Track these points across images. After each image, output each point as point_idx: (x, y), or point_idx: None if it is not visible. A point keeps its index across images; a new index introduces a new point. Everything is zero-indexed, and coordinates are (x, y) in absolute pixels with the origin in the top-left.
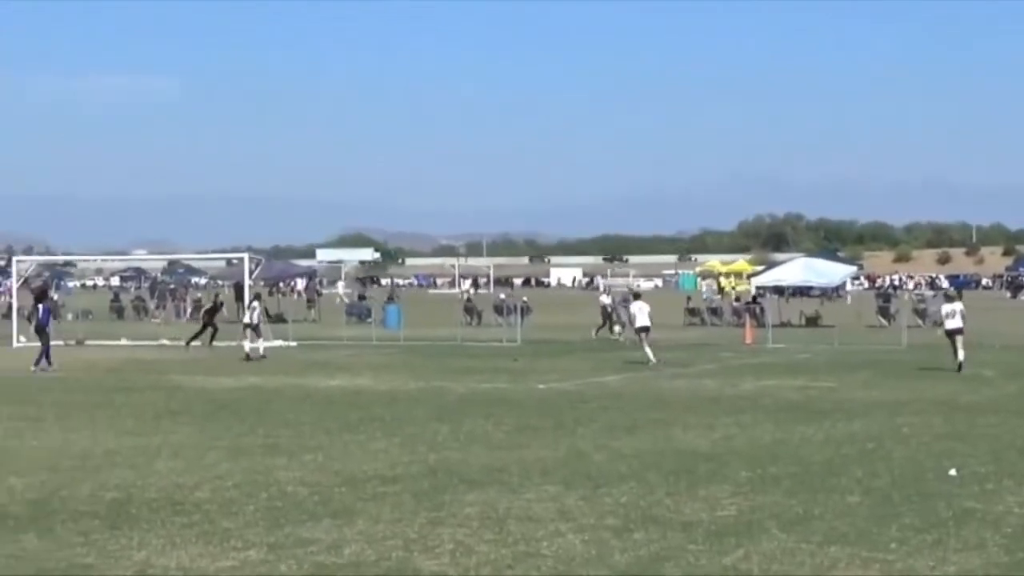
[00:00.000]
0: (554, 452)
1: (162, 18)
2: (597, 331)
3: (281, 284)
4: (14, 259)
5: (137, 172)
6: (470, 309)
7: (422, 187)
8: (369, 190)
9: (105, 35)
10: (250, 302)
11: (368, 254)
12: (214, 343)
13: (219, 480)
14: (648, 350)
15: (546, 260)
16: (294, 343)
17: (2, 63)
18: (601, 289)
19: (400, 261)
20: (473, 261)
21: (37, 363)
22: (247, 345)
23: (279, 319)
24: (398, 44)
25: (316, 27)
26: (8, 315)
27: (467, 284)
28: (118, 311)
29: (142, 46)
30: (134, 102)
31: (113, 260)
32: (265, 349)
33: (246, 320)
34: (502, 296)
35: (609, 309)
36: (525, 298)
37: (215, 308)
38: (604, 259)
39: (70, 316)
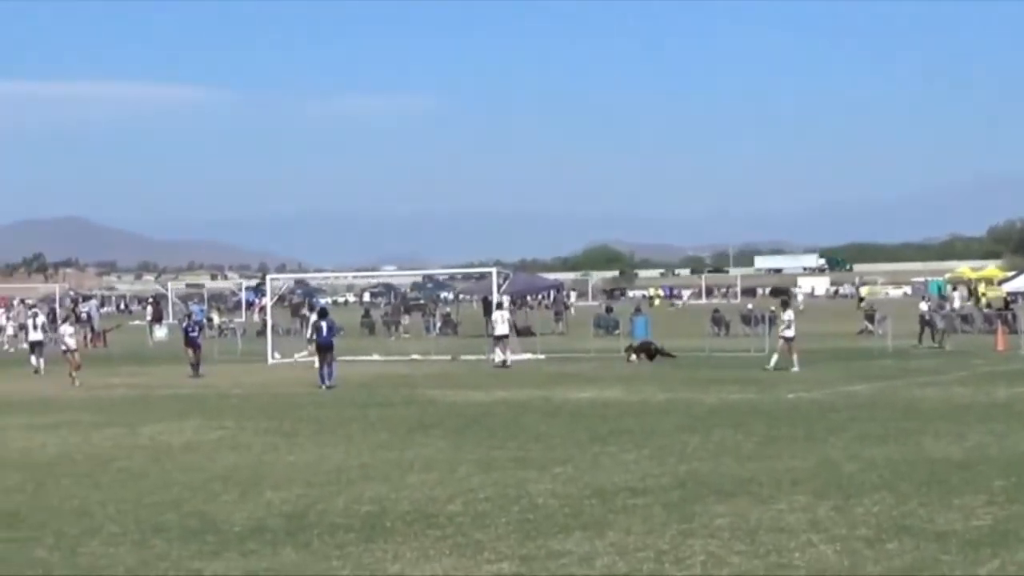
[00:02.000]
0: (804, 462)
1: (421, 37)
2: (920, 339)
3: (528, 297)
4: (268, 277)
5: (388, 188)
6: (718, 320)
7: (669, 198)
8: (617, 202)
9: (364, 56)
10: (495, 313)
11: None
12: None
13: (471, 493)
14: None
15: (780, 271)
16: (542, 356)
17: (274, 87)
18: (923, 299)
19: (634, 274)
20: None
21: (324, 380)
22: (497, 356)
23: (527, 332)
24: (647, 57)
25: (569, 44)
26: (263, 332)
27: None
28: (369, 327)
29: (401, 64)
30: (388, 119)
31: (363, 276)
32: (511, 361)
33: (497, 332)
34: (749, 306)
35: (927, 317)
36: (772, 308)
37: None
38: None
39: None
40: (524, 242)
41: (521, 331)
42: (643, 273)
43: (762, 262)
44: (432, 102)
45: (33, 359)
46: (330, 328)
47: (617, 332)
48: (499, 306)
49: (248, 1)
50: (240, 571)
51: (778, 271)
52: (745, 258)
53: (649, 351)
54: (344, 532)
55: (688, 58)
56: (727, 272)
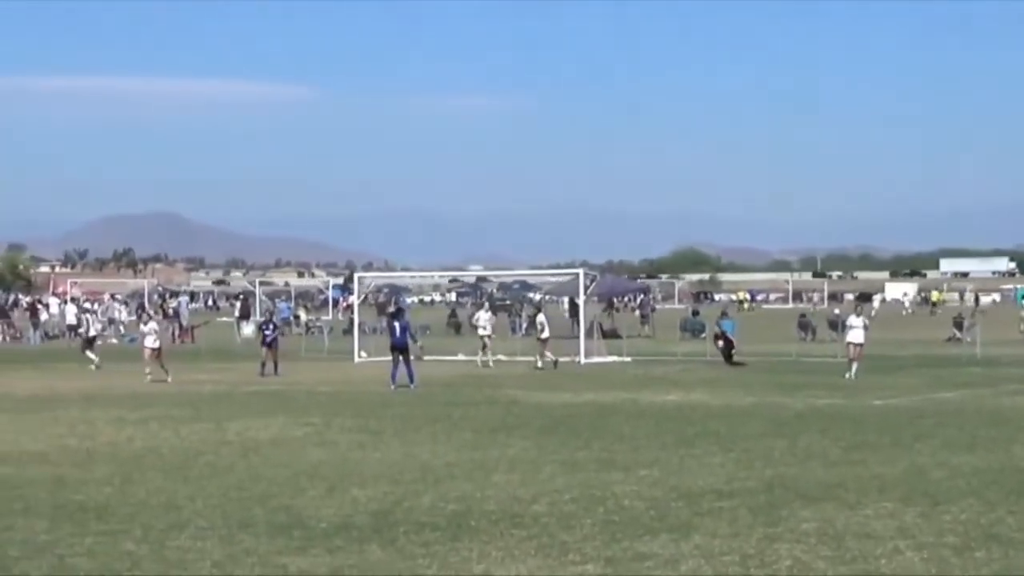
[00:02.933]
0: (892, 468)
1: (519, 37)
2: None
3: (615, 300)
4: (356, 276)
5: (475, 187)
6: (804, 324)
7: (757, 199)
8: (705, 203)
9: (452, 55)
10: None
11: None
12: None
13: (556, 494)
14: None
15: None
16: (628, 358)
17: (364, 86)
18: None
19: (711, 279)
20: (807, 276)
21: (395, 380)
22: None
23: (613, 335)
24: (746, 58)
25: (663, 44)
26: (350, 330)
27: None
28: (455, 326)
29: (490, 64)
30: (482, 119)
31: (450, 275)
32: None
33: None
34: (836, 311)
35: None
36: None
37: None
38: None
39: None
40: (611, 243)
41: (607, 333)
42: (740, 276)
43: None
44: (520, 102)
45: (90, 353)
46: (404, 328)
47: (703, 336)
48: (486, 308)
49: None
50: (326, 568)
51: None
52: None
53: (728, 352)
54: (430, 531)
55: (786, 60)
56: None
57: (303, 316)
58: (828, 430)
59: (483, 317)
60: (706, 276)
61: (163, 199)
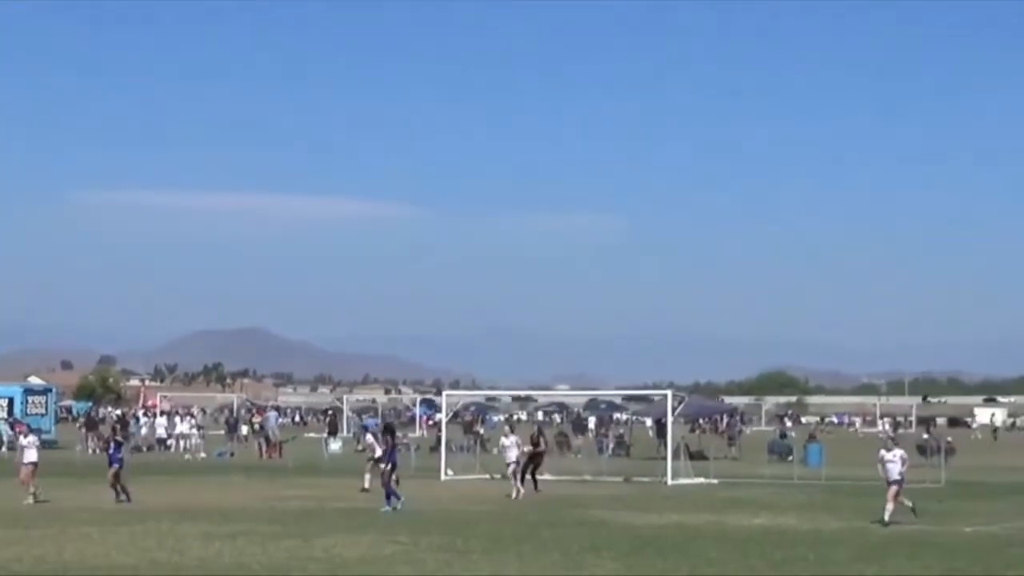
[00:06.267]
0: None
1: (612, 160)
2: None
3: (701, 421)
4: (444, 393)
5: (563, 307)
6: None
7: (844, 324)
8: (792, 328)
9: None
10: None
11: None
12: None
13: None
14: None
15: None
16: (715, 480)
17: (455, 205)
18: None
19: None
20: (895, 400)
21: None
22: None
23: (700, 456)
24: (827, 176)
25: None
26: (437, 447)
27: (886, 424)
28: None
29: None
30: (567, 240)
31: (537, 394)
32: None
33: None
34: (924, 436)
35: None
36: (949, 438)
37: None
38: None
39: (495, 451)
40: (698, 365)
41: (694, 455)
42: (827, 399)
43: None
44: (610, 221)
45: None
46: (395, 447)
47: (791, 459)
48: (507, 432)
49: (431, 118)
50: None
51: None
52: (926, 387)
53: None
54: None
55: (867, 180)
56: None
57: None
58: (917, 556)
59: (508, 443)
60: (792, 398)
61: (252, 314)
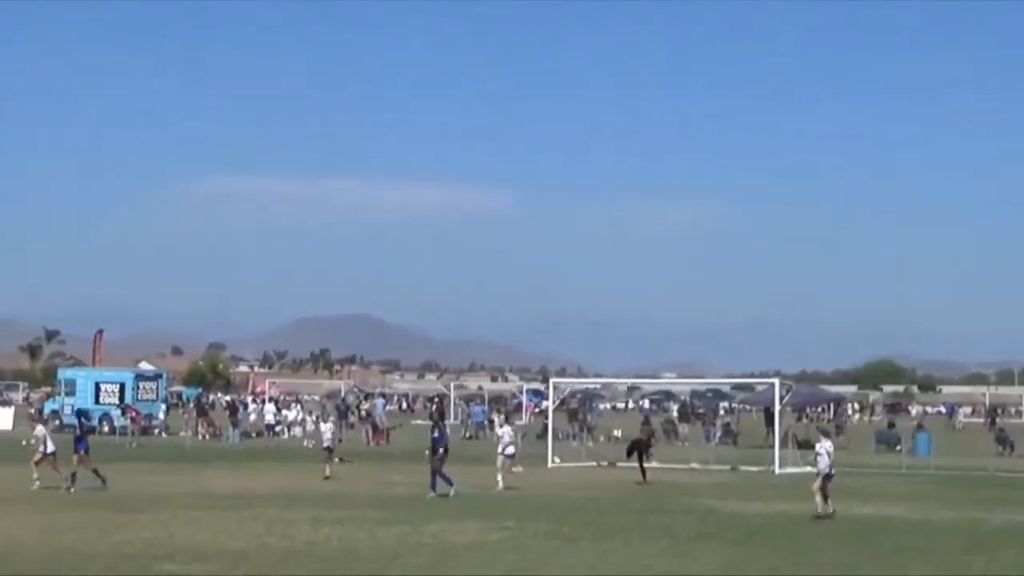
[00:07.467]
0: None
1: (717, 147)
2: None
3: (808, 409)
4: (551, 381)
5: (669, 294)
6: (1002, 439)
7: (956, 311)
8: (903, 314)
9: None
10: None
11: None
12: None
13: None
14: None
15: None
16: None
17: (560, 191)
18: None
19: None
20: (1004, 390)
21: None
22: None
23: (807, 445)
24: (935, 171)
25: (856, 145)
26: (543, 435)
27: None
28: (648, 434)
29: (685, 170)
30: (673, 227)
31: (643, 382)
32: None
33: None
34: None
35: None
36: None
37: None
38: None
39: (601, 438)
40: (805, 351)
41: (802, 444)
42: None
43: None
44: (716, 207)
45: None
46: (440, 435)
47: (899, 448)
48: (500, 422)
49: (539, 106)
50: None
51: None
52: None
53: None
54: None
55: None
56: None
57: (497, 420)
58: None
59: (506, 433)
60: (901, 388)
61: (360, 301)
